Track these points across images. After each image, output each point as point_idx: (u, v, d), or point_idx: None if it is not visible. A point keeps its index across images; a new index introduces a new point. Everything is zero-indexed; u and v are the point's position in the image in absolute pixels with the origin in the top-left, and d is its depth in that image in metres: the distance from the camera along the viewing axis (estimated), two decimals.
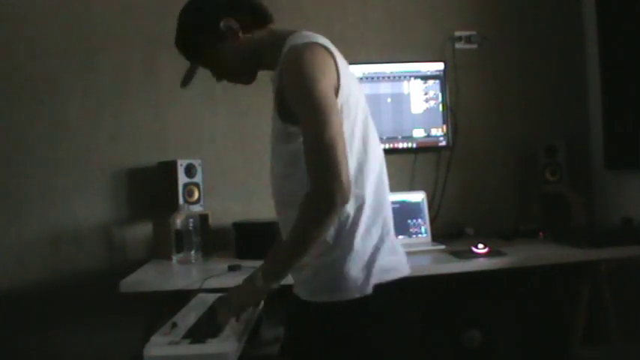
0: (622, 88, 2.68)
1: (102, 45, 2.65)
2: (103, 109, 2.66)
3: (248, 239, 2.35)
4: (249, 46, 1.37)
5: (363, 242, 1.30)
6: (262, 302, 1.56)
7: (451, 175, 2.85)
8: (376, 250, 1.31)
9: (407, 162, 2.83)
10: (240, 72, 1.42)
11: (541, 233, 2.59)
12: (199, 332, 1.34)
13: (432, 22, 2.87)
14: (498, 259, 2.17)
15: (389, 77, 2.74)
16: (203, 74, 1.45)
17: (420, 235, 2.52)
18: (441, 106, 2.76)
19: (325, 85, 1.22)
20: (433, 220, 2.65)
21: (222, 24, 1.34)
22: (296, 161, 1.27)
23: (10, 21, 2.60)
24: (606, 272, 2.54)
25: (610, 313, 2.54)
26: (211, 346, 1.26)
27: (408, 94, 2.75)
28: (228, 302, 1.42)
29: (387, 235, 1.35)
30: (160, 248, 2.48)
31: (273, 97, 1.34)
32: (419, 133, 2.75)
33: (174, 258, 2.36)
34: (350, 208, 1.27)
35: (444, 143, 2.77)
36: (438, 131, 2.76)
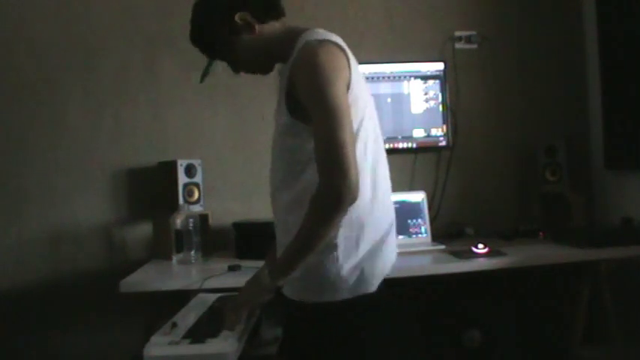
0: (622, 88, 2.68)
1: (102, 45, 2.65)
2: (103, 109, 2.66)
3: (248, 239, 2.35)
4: (264, 38, 1.38)
5: (357, 243, 1.30)
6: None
7: (451, 175, 2.85)
8: (371, 251, 1.31)
9: (407, 162, 2.83)
10: (257, 64, 1.43)
11: (541, 233, 2.59)
12: (199, 332, 1.34)
13: (432, 22, 2.87)
14: (498, 259, 2.17)
15: (389, 77, 2.74)
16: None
17: (420, 235, 2.52)
18: (441, 106, 2.76)
19: (339, 86, 1.24)
20: (433, 220, 2.65)
21: (237, 17, 1.35)
22: (300, 157, 1.28)
23: (10, 21, 2.60)
24: (606, 272, 2.54)
25: (610, 313, 2.54)
26: (211, 346, 1.26)
27: (408, 94, 2.75)
28: (235, 305, 1.40)
29: (386, 236, 1.35)
30: (160, 248, 2.48)
31: (280, 90, 1.34)
32: (419, 133, 2.75)
33: (174, 258, 2.36)
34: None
35: (444, 143, 2.77)
36: (438, 131, 2.76)
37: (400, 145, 2.74)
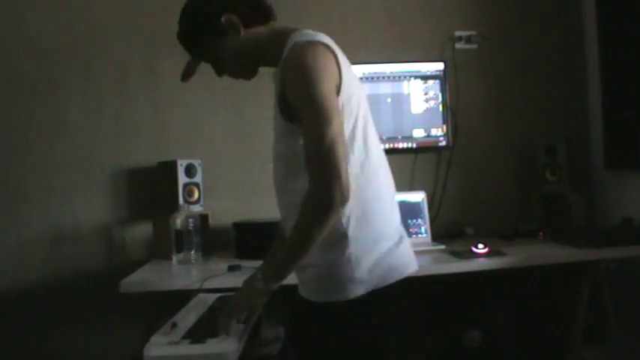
0: (622, 88, 2.68)
1: (102, 45, 2.65)
2: (103, 109, 2.65)
3: (248, 239, 2.35)
4: (250, 42, 1.37)
5: (366, 243, 1.29)
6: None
7: (451, 175, 2.85)
8: (380, 250, 1.31)
9: (407, 162, 2.83)
10: (241, 67, 1.42)
11: (541, 233, 2.59)
12: (199, 332, 1.34)
13: (432, 22, 2.87)
14: (498, 259, 2.17)
15: (389, 77, 2.74)
16: (203, 74, 1.45)
17: (420, 235, 2.52)
18: (441, 106, 2.76)
19: (327, 86, 1.23)
20: (433, 220, 2.65)
21: (223, 19, 1.34)
22: (298, 159, 1.28)
23: (10, 21, 2.60)
24: (606, 272, 2.54)
25: (610, 313, 2.54)
26: (211, 346, 1.26)
27: (408, 94, 2.75)
28: (229, 310, 1.38)
29: (393, 234, 1.35)
30: (160, 248, 2.48)
31: (275, 94, 1.34)
32: (419, 133, 2.75)
33: (174, 258, 2.36)
34: (352, 209, 1.27)
35: (444, 143, 2.77)
36: (438, 131, 2.76)
37: (400, 145, 2.74)
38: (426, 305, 2.58)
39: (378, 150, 1.38)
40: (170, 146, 2.68)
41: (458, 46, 2.88)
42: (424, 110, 2.76)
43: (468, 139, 2.87)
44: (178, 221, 2.37)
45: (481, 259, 2.17)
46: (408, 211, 2.53)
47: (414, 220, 2.54)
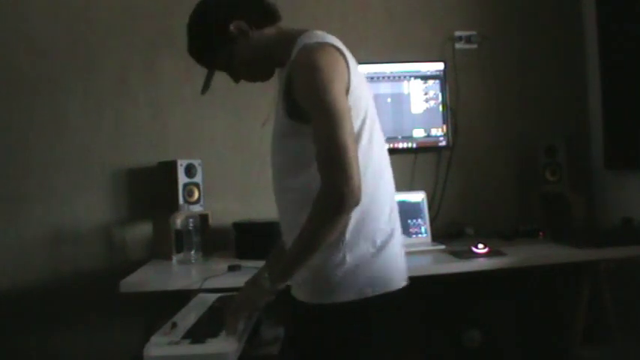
0: (622, 88, 2.68)
1: (102, 45, 2.65)
2: (103, 109, 2.65)
3: (248, 239, 2.35)
4: (261, 44, 1.37)
5: (363, 245, 1.29)
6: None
7: (451, 175, 2.85)
8: (376, 253, 1.31)
9: (407, 162, 2.83)
10: (255, 70, 1.42)
11: (541, 233, 2.59)
12: (199, 332, 1.34)
13: (432, 22, 2.87)
14: (498, 259, 2.17)
15: (389, 77, 2.74)
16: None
17: (420, 235, 2.52)
18: (441, 106, 2.76)
19: (337, 87, 1.23)
20: (433, 220, 2.65)
21: (232, 27, 1.35)
22: (300, 157, 1.28)
23: (10, 21, 2.60)
24: (606, 272, 2.53)
25: (610, 313, 2.54)
26: (211, 346, 1.26)
27: (408, 94, 2.75)
28: (235, 308, 1.38)
29: (390, 238, 1.35)
30: (160, 248, 2.48)
31: (279, 93, 1.34)
32: (419, 133, 2.75)
33: (174, 258, 2.36)
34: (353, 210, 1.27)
35: (444, 143, 2.77)
36: (438, 131, 2.76)
37: (400, 145, 2.74)
38: (426, 305, 2.58)
39: (382, 152, 1.38)
40: (170, 146, 2.68)
41: (458, 46, 2.88)
42: (424, 110, 2.76)
43: (468, 139, 2.87)
44: (178, 221, 2.37)
45: (481, 259, 2.17)
46: (408, 211, 2.53)
47: (414, 220, 2.54)
